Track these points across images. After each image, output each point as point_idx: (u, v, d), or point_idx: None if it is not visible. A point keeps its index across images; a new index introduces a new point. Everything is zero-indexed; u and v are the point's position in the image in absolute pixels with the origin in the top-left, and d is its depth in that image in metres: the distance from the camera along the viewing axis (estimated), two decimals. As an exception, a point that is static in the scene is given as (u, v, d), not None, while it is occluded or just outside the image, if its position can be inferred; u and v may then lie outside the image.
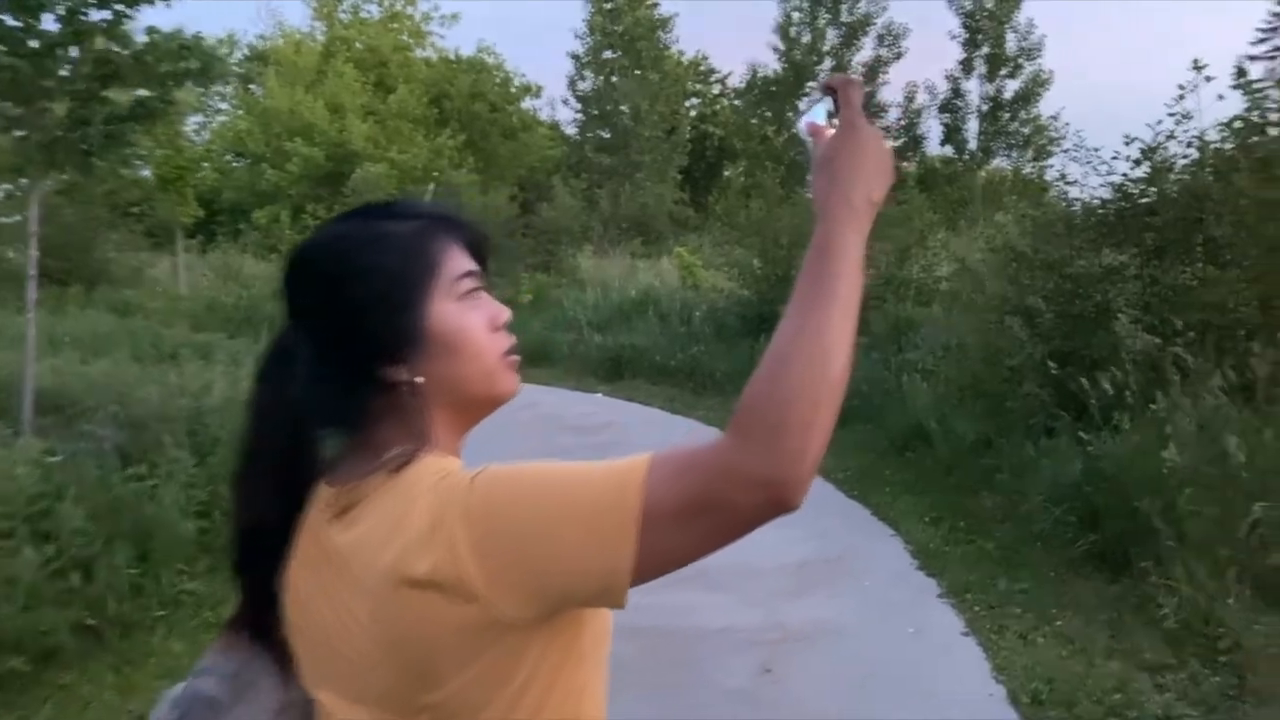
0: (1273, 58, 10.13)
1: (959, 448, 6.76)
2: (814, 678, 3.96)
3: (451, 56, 29.76)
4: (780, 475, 0.78)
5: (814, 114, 1.01)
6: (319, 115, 24.54)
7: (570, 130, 29.84)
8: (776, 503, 0.79)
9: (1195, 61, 6.05)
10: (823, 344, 0.82)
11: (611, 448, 8.52)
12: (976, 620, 4.43)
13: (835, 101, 0.99)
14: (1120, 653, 3.96)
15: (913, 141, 26.72)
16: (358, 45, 28.47)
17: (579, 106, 28.53)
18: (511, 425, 9.54)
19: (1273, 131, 6.07)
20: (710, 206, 26.67)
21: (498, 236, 19.17)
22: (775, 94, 26.90)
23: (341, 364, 0.94)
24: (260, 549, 1.01)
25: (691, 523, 0.80)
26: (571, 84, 28.30)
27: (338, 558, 0.92)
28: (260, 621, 1.02)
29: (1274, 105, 6.18)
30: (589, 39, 27.65)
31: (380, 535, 0.87)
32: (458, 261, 0.99)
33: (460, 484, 0.86)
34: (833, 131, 0.97)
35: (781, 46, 26.51)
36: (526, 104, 30.34)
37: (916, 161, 26.55)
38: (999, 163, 26.47)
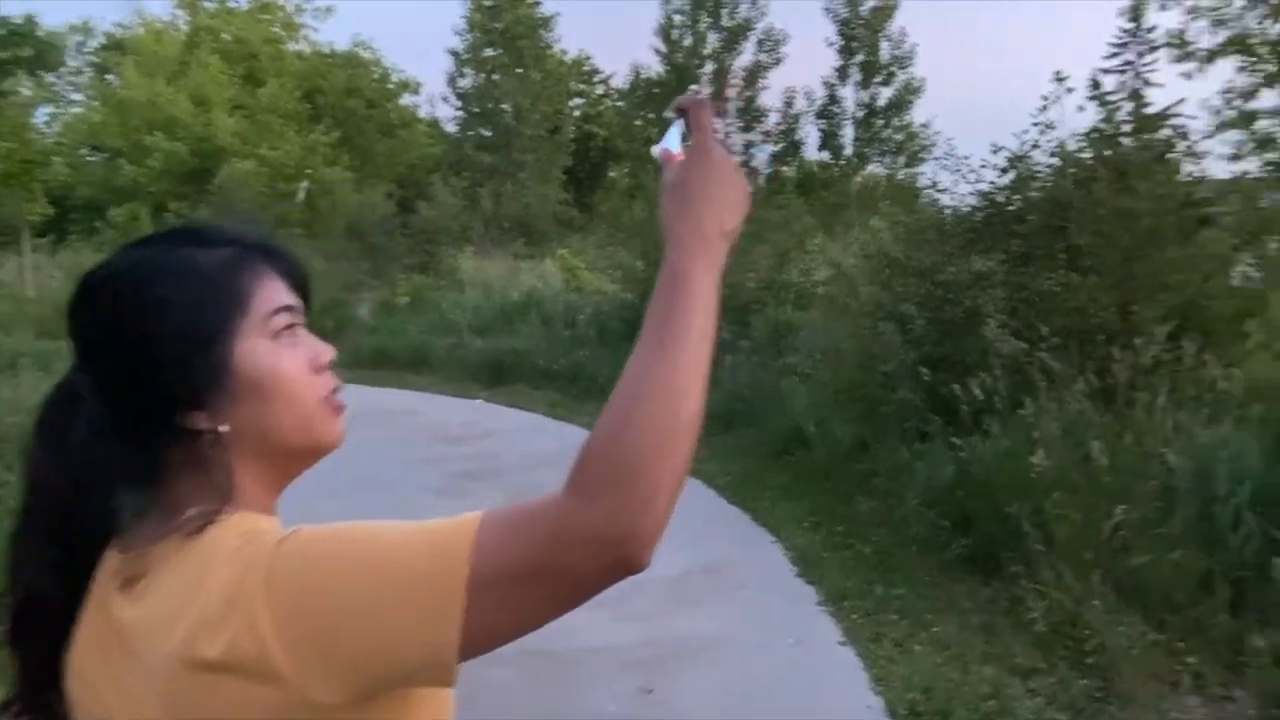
0: (1123, 71, 10.62)
1: (837, 451, 6.82)
2: (695, 695, 3.88)
3: (326, 50, 28.80)
4: (625, 532, 0.72)
5: (668, 138, 0.92)
6: (182, 108, 23.36)
7: (451, 128, 29.28)
8: (621, 563, 0.73)
9: (1057, 74, 6.26)
10: (673, 385, 0.76)
11: (492, 456, 8.32)
12: (854, 629, 4.42)
13: (687, 123, 0.89)
14: (994, 657, 4.01)
15: (792, 146, 27.25)
16: (225, 36, 27.21)
17: (459, 104, 28.01)
18: (387, 435, 9.28)
19: (1127, 142, 6.35)
20: (595, 207, 26.63)
21: (374, 235, 18.61)
22: (658, 96, 27.02)
23: (133, 410, 0.84)
24: (38, 622, 0.87)
25: (527, 590, 0.73)
26: (451, 81, 27.76)
27: (124, 635, 0.81)
28: (39, 706, 0.89)
29: (1127, 117, 6.47)
30: (468, 36, 27.17)
31: (170, 609, 0.77)
32: (273, 294, 0.88)
33: (263, 550, 0.76)
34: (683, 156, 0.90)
35: (663, 49, 26.65)
36: (405, 100, 29.66)
37: (795, 166, 27.09)
38: (874, 168, 27.26)
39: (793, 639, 4.40)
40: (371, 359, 14.37)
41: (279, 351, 0.87)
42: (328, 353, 0.92)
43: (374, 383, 13.04)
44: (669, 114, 0.94)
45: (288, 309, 0.89)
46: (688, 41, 26.51)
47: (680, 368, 0.77)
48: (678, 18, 26.49)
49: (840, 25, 25.98)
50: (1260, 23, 12.94)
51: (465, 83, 27.73)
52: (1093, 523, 4.20)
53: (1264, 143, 13.23)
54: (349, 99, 26.76)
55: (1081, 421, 4.78)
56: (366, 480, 7.62)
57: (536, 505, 0.75)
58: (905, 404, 6.01)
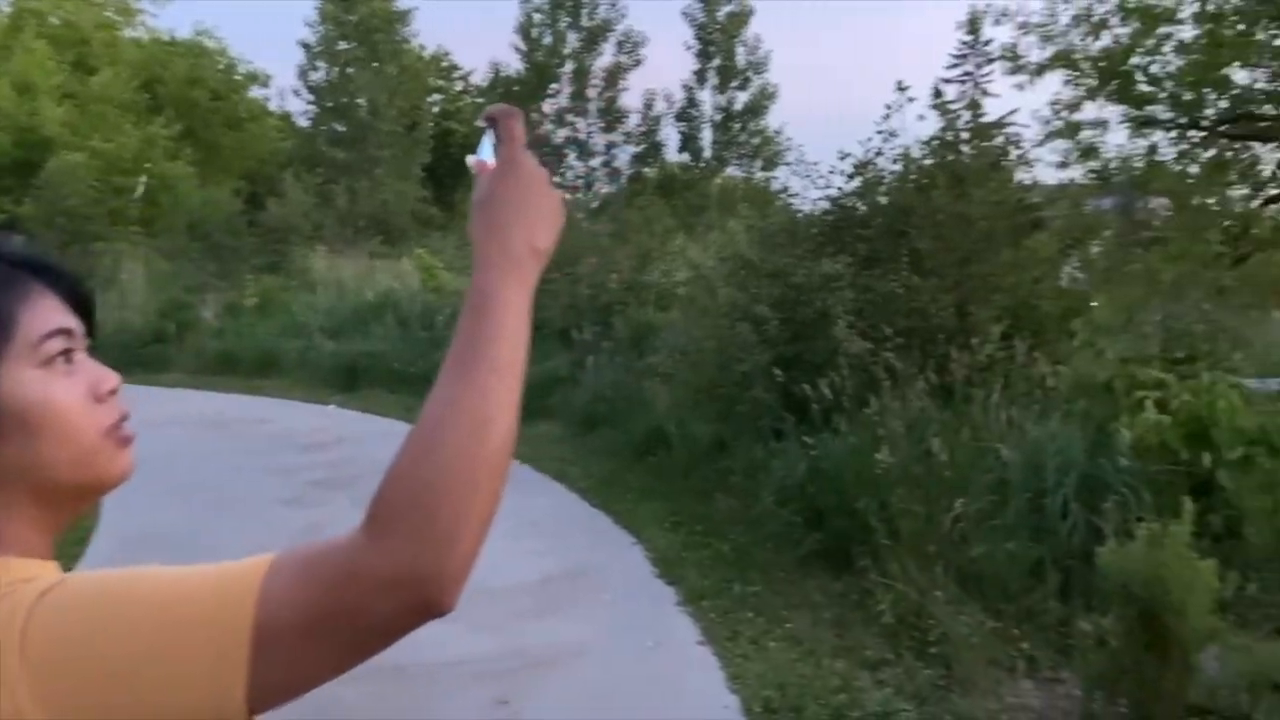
0: (963, 82, 11.09)
1: (696, 451, 6.91)
2: (551, 705, 3.83)
3: (166, 38, 27.26)
4: (425, 573, 0.67)
5: (483, 149, 0.87)
6: (3, 95, 21.63)
7: (303, 123, 28.20)
8: (423, 606, 0.68)
9: (899, 83, 6.51)
10: (479, 414, 0.71)
11: (345, 464, 8.03)
12: (712, 628, 4.47)
13: (497, 134, 0.84)
14: (845, 651, 4.12)
15: (653, 148, 27.50)
16: (52, 20, 25.39)
17: (311, 98, 27.00)
18: (233, 445, 8.85)
19: (965, 149, 6.67)
20: (456, 206, 26.15)
21: (220, 234, 17.75)
22: (518, 94, 26.79)
23: None
24: None
25: (320, 637, 0.68)
26: (303, 74, 26.73)
27: None
28: None
29: (966, 126, 6.80)
30: (320, 28, 26.23)
31: None
32: (45, 317, 0.78)
33: (22, 603, 0.68)
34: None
35: (523, 47, 26.45)
36: (254, 93, 28.41)
37: (657, 168, 27.36)
38: (732, 171, 27.80)
39: (652, 641, 4.40)
40: (217, 364, 13.71)
41: (50, 381, 0.78)
42: (110, 380, 0.83)
43: (220, 389, 12.44)
44: (481, 123, 0.89)
45: (63, 333, 0.79)
46: (547, 40, 26.40)
47: (487, 395, 0.72)
48: (537, 16, 26.35)
49: (697, 30, 26.38)
50: (1083, 39, 13.87)
51: (318, 76, 26.76)
52: (934, 516, 4.38)
53: (1087, 152, 14.20)
54: (192, 90, 25.42)
55: (923, 419, 4.98)
56: (209, 493, 7.25)
57: (330, 545, 0.69)
58: (760, 403, 6.13)
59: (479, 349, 0.74)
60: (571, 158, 26.58)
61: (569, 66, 26.37)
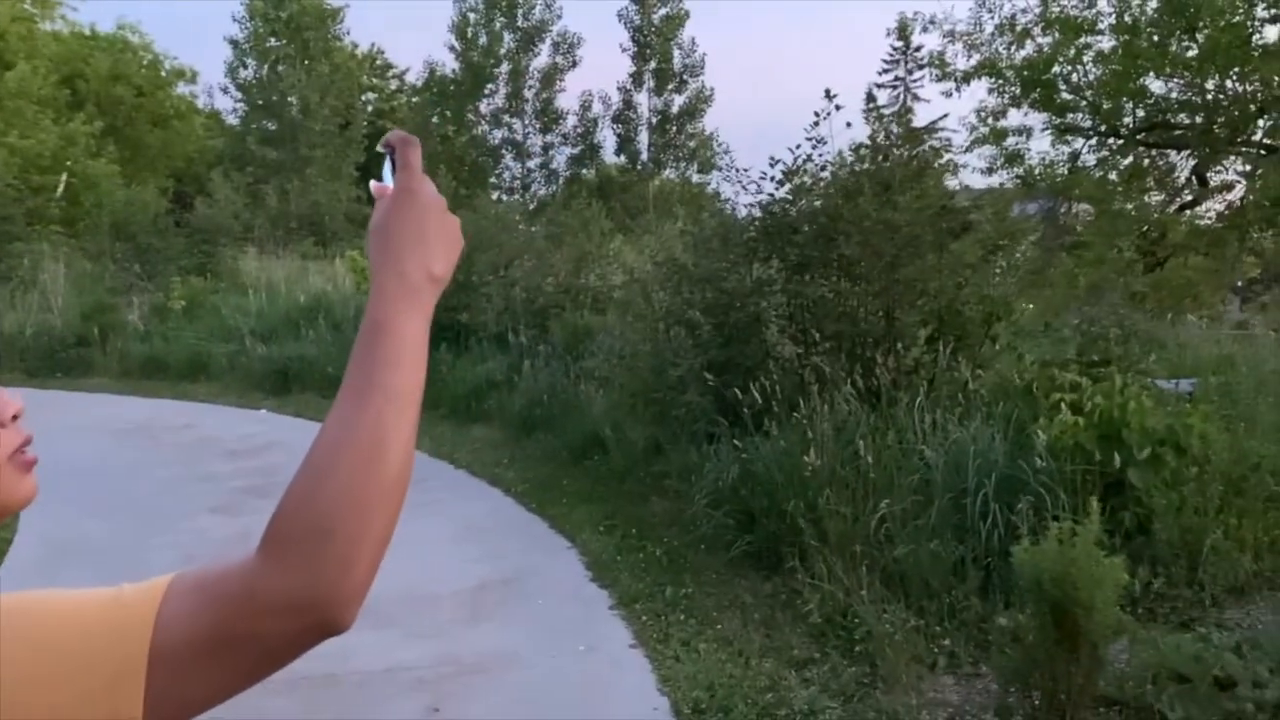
0: (895, 87, 11.24)
1: (632, 454, 6.95)
2: (484, 711, 3.83)
3: (86, 32, 26.46)
4: (321, 595, 0.68)
5: (385, 174, 0.88)
6: (-89, 89, 20.84)
7: (233, 120, 27.61)
8: (319, 627, 0.69)
9: (827, 91, 6.62)
10: (373, 441, 0.72)
11: (275, 471, 7.90)
12: (644, 631, 4.51)
13: (393, 160, 0.85)
14: (773, 651, 4.19)
15: (590, 150, 27.50)
16: (-37, 12, 24.49)
17: (240, 96, 26.45)
18: (159, 453, 8.63)
19: (895, 154, 6.81)
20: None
21: (145, 234, 17.30)
22: (453, 94, 26.58)
23: None
24: None
25: (217, 658, 0.69)
26: (231, 71, 26.17)
27: None
28: None
29: (896, 130, 6.95)
30: (249, 25, 25.70)
31: None
32: None
33: None
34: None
35: (458, 46, 26.25)
36: (181, 90, 27.74)
37: (594, 170, 27.37)
38: (669, 174, 27.94)
39: (584, 646, 4.43)
40: (143, 368, 13.38)
41: None
42: (12, 405, 0.82)
43: (146, 394, 12.13)
44: (381, 149, 0.90)
45: None
46: (483, 40, 26.24)
47: (382, 422, 0.73)
48: (473, 16, 26.17)
49: (633, 32, 26.46)
50: (1008, 49, 14.26)
51: (247, 74, 26.23)
52: (860, 517, 4.48)
53: (1012, 158, 14.60)
54: (115, 86, 24.75)
55: (850, 422, 5.09)
56: (135, 501, 7.08)
57: (227, 567, 0.71)
58: (694, 407, 6.19)
59: (374, 376, 0.75)
60: (508, 159, 26.44)
61: (505, 67, 26.23)
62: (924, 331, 6.18)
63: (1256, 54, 11.66)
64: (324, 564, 0.68)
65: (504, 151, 26.46)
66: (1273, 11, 12.45)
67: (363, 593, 0.71)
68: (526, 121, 26.69)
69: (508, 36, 26.20)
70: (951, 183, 7.54)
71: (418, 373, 0.77)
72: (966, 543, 4.37)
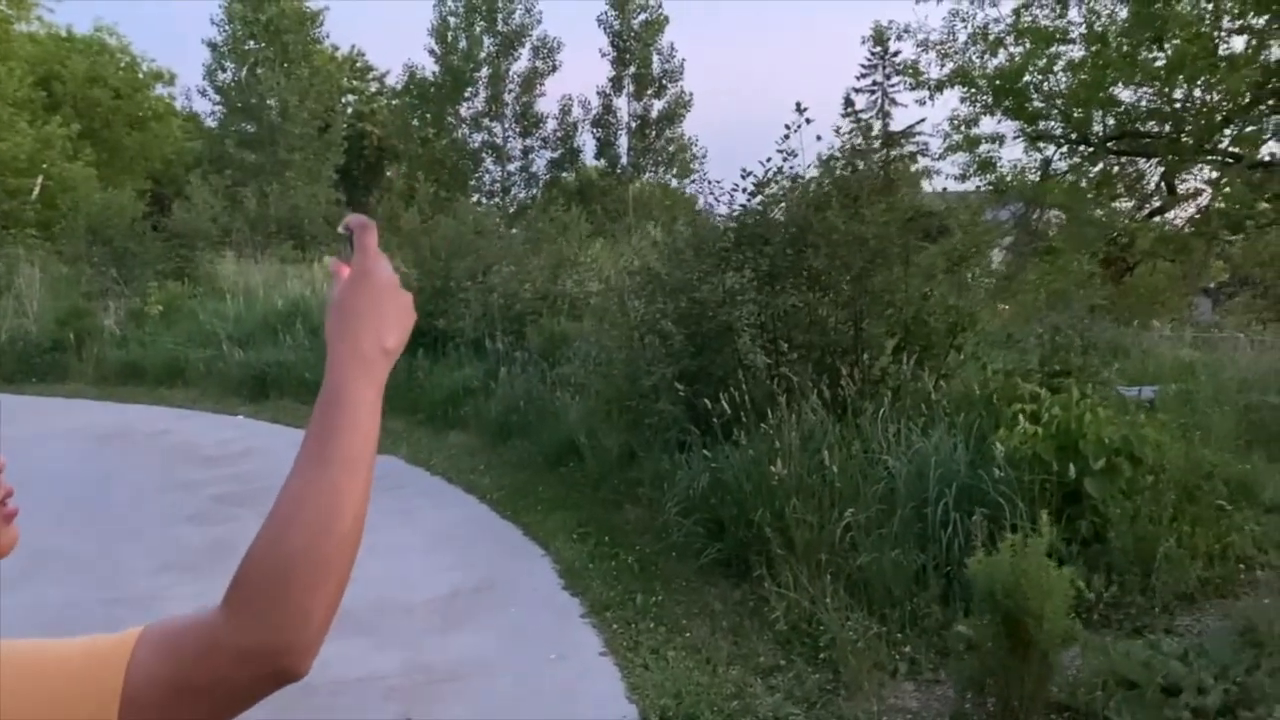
0: (873, 92, 11.38)
1: (606, 462, 7.03)
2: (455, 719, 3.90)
3: (63, 34, 26.28)
4: (280, 644, 0.75)
5: (342, 253, 0.96)
6: (-117, 90, 20.65)
7: (211, 123, 27.48)
8: (279, 675, 0.76)
9: (798, 104, 6.72)
10: (328, 505, 0.79)
11: (252, 478, 7.91)
12: (614, 639, 4.59)
13: (352, 243, 0.94)
14: (740, 658, 4.28)
15: (570, 153, 27.56)
16: (-63, 12, 24.30)
17: (218, 98, 26.34)
18: (135, 459, 8.63)
19: (871, 160, 6.92)
20: (371, 209, 25.78)
21: (122, 238, 17.20)
22: (434, 97, 26.58)
23: None
24: None
25: (185, 703, 0.75)
26: (210, 74, 26.06)
27: None
28: None
29: (872, 137, 7.07)
30: (228, 27, 25.60)
31: None
32: None
33: None
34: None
35: (438, 50, 26.25)
36: (159, 92, 27.59)
37: (574, 173, 27.43)
38: (648, 177, 28.03)
39: (555, 654, 4.51)
40: (119, 374, 13.34)
41: None
42: None
43: (123, 399, 12.11)
44: (341, 230, 0.98)
45: None
46: (463, 44, 26.25)
47: (337, 487, 0.79)
48: (452, 20, 26.18)
49: (613, 37, 26.54)
50: (980, 58, 14.45)
51: (225, 76, 26.13)
52: (826, 526, 4.58)
53: (985, 165, 14.80)
54: (92, 88, 24.59)
55: (818, 431, 5.19)
56: (110, 509, 7.10)
57: (195, 619, 0.77)
58: (666, 416, 6.28)
59: (330, 443, 0.81)
60: (488, 162, 26.45)
61: (485, 71, 26.24)
62: (891, 342, 6.30)
63: (1222, 65, 11.88)
64: (281, 619, 0.75)
65: (484, 155, 26.46)
66: (1239, 23, 12.69)
67: (319, 642, 0.77)
68: (507, 125, 26.73)
69: (487, 40, 26.22)
70: (928, 187, 7.67)
71: (371, 440, 0.83)
72: (928, 551, 4.47)
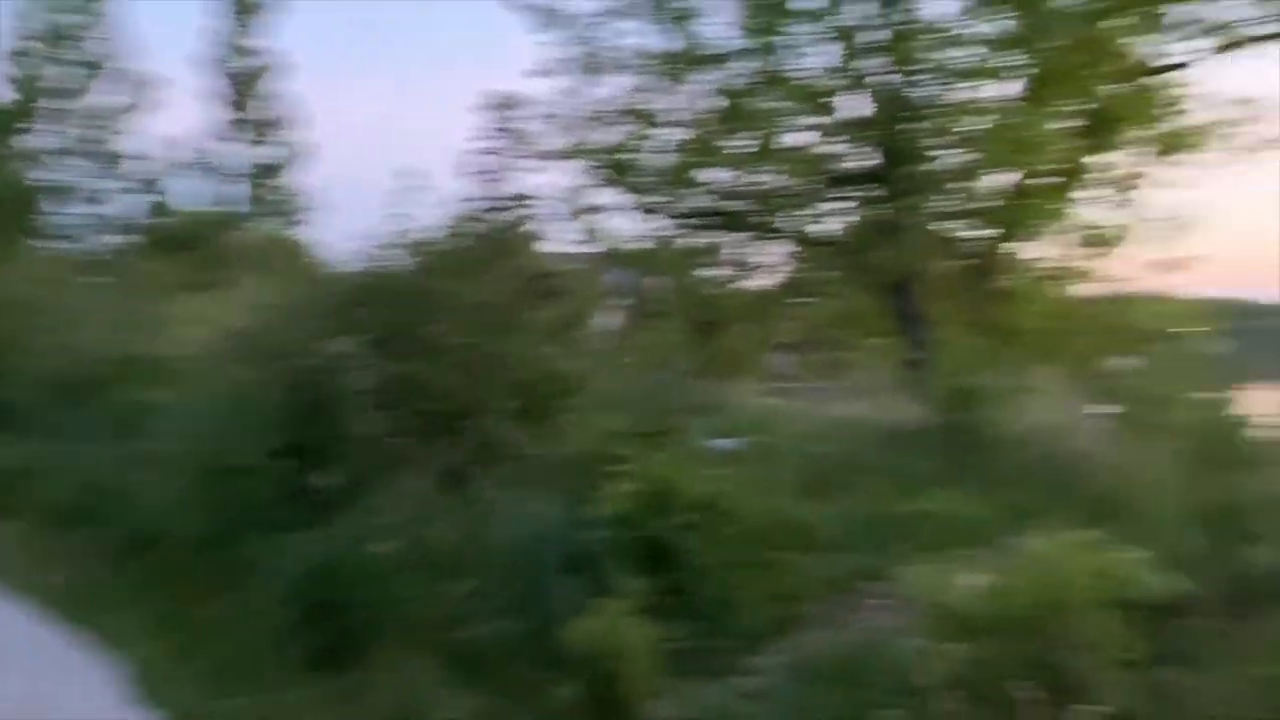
0: (490, 157, 11.55)
1: (195, 546, 6.34)
2: None
3: None
4: None
5: None
6: None
7: None
8: None
9: (412, 171, 6.67)
10: None
11: None
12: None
13: None
14: (340, 756, 4.00)
15: (162, 199, 25.10)
16: None
17: None
18: None
19: (483, 226, 7.01)
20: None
21: None
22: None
23: None
24: None
25: None
26: None
27: None
28: None
29: (489, 202, 7.16)
30: None
31: None
32: None
33: None
34: None
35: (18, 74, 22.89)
36: None
37: (167, 220, 25.04)
38: (255, 226, 26.29)
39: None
40: None
41: None
42: None
43: None
44: None
45: None
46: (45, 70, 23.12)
47: None
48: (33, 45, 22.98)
49: (222, 79, 24.79)
50: (595, 133, 15.39)
51: None
52: (431, 601, 4.45)
53: (598, 233, 15.70)
54: None
55: (427, 503, 5.07)
56: None
57: None
58: (262, 493, 5.82)
59: None
60: (55, 204, 23.36)
61: (58, 102, 23.30)
62: (502, 407, 6.35)
63: (778, 152, 13.70)
64: None
65: (48, 196, 23.31)
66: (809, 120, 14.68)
67: None
68: (81, 164, 23.73)
69: (59, 69, 23.26)
70: (542, 250, 7.90)
71: None
72: (534, 618, 4.49)
